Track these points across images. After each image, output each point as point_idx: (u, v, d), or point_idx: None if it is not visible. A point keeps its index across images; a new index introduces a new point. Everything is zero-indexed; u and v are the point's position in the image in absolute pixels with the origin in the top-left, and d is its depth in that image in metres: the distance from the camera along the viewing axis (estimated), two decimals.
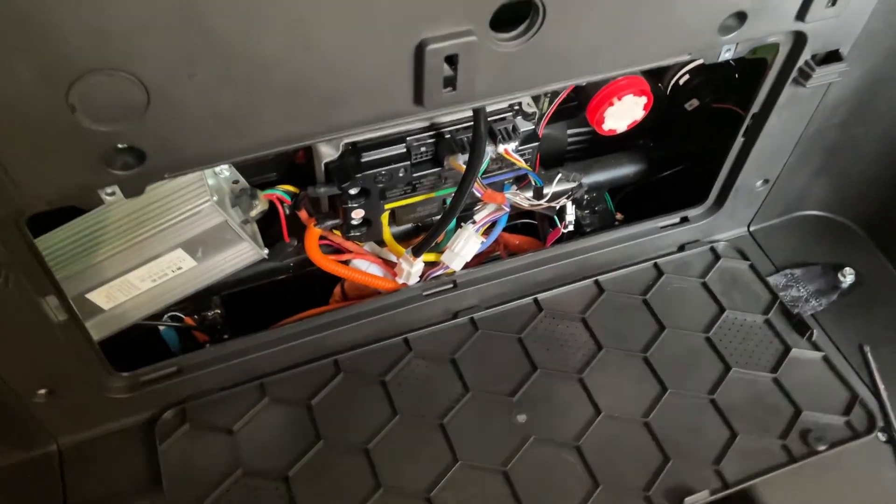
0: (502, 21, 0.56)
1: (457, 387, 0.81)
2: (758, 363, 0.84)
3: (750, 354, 0.85)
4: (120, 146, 0.52)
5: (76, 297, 0.69)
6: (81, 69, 0.46)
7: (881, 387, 0.84)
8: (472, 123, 0.72)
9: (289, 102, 0.54)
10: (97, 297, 0.71)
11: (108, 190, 0.55)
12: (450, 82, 0.58)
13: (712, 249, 0.95)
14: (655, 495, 0.74)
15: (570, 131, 0.95)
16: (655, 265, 0.93)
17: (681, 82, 0.93)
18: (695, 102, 0.96)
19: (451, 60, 0.56)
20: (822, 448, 0.78)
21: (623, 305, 0.89)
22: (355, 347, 0.83)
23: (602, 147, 0.96)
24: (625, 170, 0.96)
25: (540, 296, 0.88)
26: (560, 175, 0.84)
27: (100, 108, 0.48)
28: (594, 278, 0.90)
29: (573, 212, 0.84)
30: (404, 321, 0.84)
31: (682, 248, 0.94)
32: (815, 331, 0.86)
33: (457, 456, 0.76)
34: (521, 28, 0.57)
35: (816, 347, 0.86)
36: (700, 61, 0.80)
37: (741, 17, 0.64)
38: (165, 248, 0.70)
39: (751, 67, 0.82)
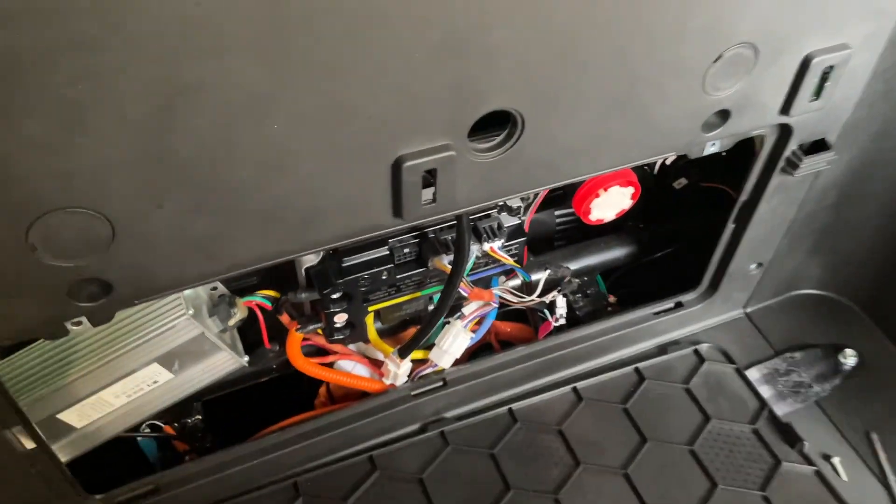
0: (480, 122, 0.54)
1: None
2: (746, 479, 0.79)
3: (738, 469, 0.79)
4: (85, 278, 0.50)
5: (46, 419, 0.66)
6: (41, 210, 0.44)
7: (891, 478, 0.80)
8: (455, 222, 0.70)
9: (264, 225, 0.53)
10: (69, 416, 0.68)
11: (75, 320, 0.53)
12: (429, 194, 0.56)
13: (696, 352, 0.90)
14: None
15: (557, 212, 0.94)
16: (636, 370, 0.88)
17: (667, 162, 0.92)
18: (683, 181, 0.96)
19: (430, 173, 0.55)
20: None
21: (602, 415, 0.84)
22: (318, 466, 0.78)
23: (591, 228, 0.95)
24: (615, 252, 0.94)
25: (515, 405, 0.84)
26: (548, 271, 0.82)
27: (62, 246, 0.46)
28: (572, 385, 0.86)
29: (564, 305, 0.82)
30: (370, 433, 0.80)
31: (663, 351, 0.90)
32: (806, 442, 0.80)
33: None
34: (500, 139, 0.56)
35: (808, 461, 0.80)
36: None
37: (724, 114, 0.63)
38: (140, 364, 0.67)
39: (738, 147, 0.81)
